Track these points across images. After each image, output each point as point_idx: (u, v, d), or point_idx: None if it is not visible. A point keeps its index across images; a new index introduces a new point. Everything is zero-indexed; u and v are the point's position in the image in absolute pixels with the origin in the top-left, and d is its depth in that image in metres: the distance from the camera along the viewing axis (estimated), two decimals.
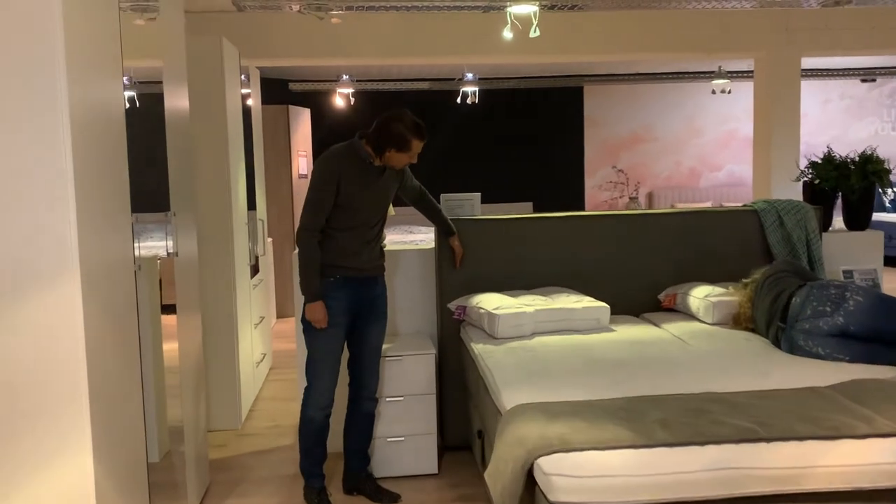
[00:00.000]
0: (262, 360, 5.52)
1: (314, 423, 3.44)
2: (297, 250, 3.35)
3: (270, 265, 6.44)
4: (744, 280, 3.90)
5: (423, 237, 9.75)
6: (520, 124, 10.77)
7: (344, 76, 8.69)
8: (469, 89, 8.92)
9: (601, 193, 11.28)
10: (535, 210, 10.47)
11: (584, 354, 3.24)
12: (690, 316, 3.92)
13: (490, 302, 3.71)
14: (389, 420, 3.80)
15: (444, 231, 3.97)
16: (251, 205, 5.57)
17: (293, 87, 9.26)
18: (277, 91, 8.80)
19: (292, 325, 7.99)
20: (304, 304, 3.34)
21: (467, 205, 4.26)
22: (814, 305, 3.20)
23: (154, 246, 4.66)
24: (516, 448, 2.23)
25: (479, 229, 4.12)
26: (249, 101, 6.05)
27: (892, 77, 11.16)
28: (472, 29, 6.19)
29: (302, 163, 8.76)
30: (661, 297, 4.15)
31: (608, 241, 4.20)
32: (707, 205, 11.28)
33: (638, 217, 4.26)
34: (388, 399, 3.81)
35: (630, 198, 11.20)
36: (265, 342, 5.86)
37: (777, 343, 3.35)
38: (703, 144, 11.44)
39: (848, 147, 5.34)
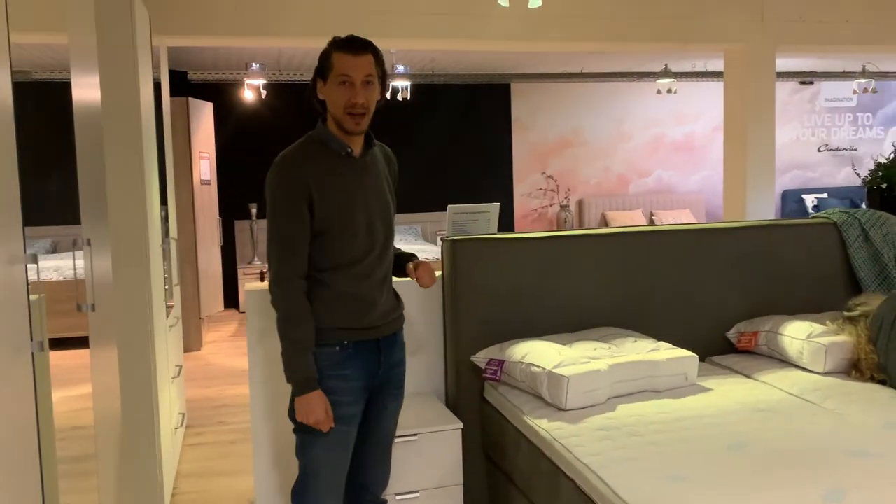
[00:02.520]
0: (181, 424, 4.22)
1: None
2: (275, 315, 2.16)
3: (178, 296, 5.12)
4: (846, 313, 3.05)
5: (423, 248, 8.56)
6: (450, 126, 9.77)
7: (254, 65, 7.39)
8: (400, 84, 7.83)
9: (531, 201, 10.45)
10: None
11: (715, 436, 2.25)
12: (784, 362, 3.02)
13: (542, 355, 2.66)
14: None
15: (406, 260, 2.48)
16: (163, 216, 4.26)
17: (193, 76, 7.85)
18: (174, 81, 7.40)
19: (198, 363, 6.66)
20: (293, 397, 2.15)
21: (482, 219, 3.21)
22: None
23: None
24: None
25: (499, 251, 3.07)
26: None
27: (824, 81, 11.00)
28: (410, 7, 5.17)
29: (204, 166, 7.39)
30: (734, 335, 3.24)
31: (660, 264, 3.26)
32: (638, 212, 10.70)
33: (691, 233, 3.34)
34: (398, 497, 2.69)
35: (560, 206, 10.46)
36: (181, 397, 4.55)
37: None
38: (631, 149, 10.86)
39: None
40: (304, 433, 2.18)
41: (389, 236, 2.30)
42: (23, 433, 1.40)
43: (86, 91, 2.14)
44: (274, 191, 2.14)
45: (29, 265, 1.44)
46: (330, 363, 2.16)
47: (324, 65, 2.15)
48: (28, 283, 1.43)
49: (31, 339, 1.44)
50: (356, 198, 2.18)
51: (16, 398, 1.37)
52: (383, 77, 2.22)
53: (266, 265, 2.23)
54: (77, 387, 5.49)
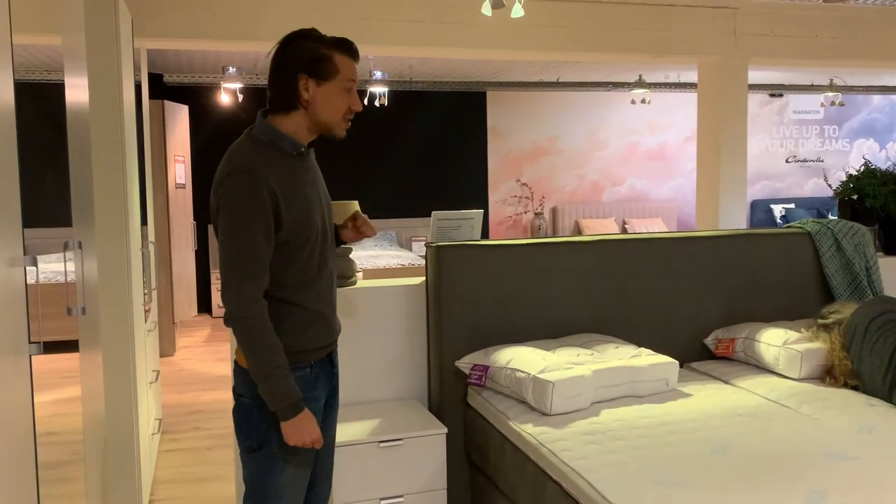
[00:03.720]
0: (157, 430, 4.18)
1: None
2: (243, 340, 1.95)
3: (155, 300, 5.07)
4: (820, 321, 3.13)
5: (399, 254, 8.50)
6: (426, 132, 9.79)
7: (231, 69, 7.36)
8: (378, 90, 7.85)
9: (505, 208, 10.51)
10: None
11: (697, 440, 2.30)
12: (760, 368, 3.09)
13: (527, 361, 2.69)
14: None
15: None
16: (142, 219, 4.23)
17: (168, 79, 7.79)
18: (150, 84, 7.34)
19: (172, 368, 6.59)
20: (282, 423, 1.96)
21: (465, 226, 3.23)
22: None
23: None
24: None
25: (483, 258, 3.10)
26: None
27: (792, 93, 11.22)
28: (390, 14, 5.20)
29: (179, 169, 7.34)
30: (711, 342, 3.31)
31: (639, 271, 3.31)
32: (611, 220, 10.81)
33: (670, 241, 3.40)
34: (382, 501, 2.70)
35: (535, 213, 10.54)
36: (157, 402, 4.51)
37: None
38: (605, 158, 10.98)
39: None
40: (271, 457, 2.03)
41: (333, 236, 2.20)
42: (20, 435, 1.39)
43: (76, 92, 2.13)
44: (238, 203, 1.90)
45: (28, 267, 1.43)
46: (303, 387, 2.01)
47: (322, 65, 1.98)
48: (27, 285, 1.42)
49: (29, 341, 1.44)
50: (312, 203, 2.04)
51: (14, 400, 1.37)
52: None
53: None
54: (49, 392, 5.42)
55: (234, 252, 1.92)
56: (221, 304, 1.95)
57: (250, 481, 2.08)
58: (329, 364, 2.17)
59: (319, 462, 2.23)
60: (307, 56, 1.98)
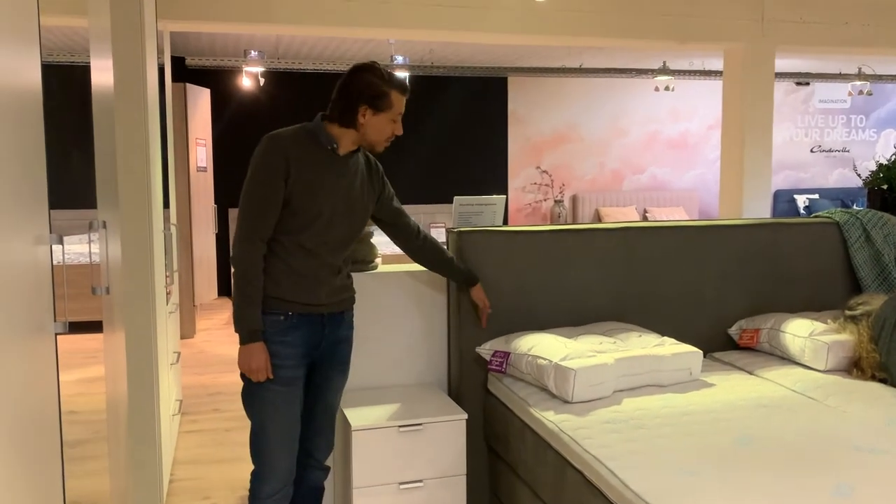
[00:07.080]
0: (177, 411, 4.21)
1: None
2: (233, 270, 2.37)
3: (176, 284, 5.09)
4: (847, 312, 3.08)
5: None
6: (446, 118, 9.74)
7: (253, 52, 7.35)
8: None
9: (525, 196, 10.46)
10: None
11: (721, 430, 2.27)
12: (785, 359, 3.05)
13: (549, 348, 2.67)
14: None
15: (463, 280, 2.91)
16: (164, 202, 4.24)
17: (190, 62, 7.80)
18: (172, 67, 7.35)
19: (192, 350, 6.64)
20: (239, 348, 2.33)
21: (487, 211, 3.20)
22: None
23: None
24: None
25: (505, 244, 3.08)
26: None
27: (819, 82, 11.05)
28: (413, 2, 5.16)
29: (200, 153, 7.35)
30: (735, 332, 3.27)
31: (663, 260, 3.27)
32: (631, 209, 10.73)
33: (695, 230, 3.35)
34: (402, 486, 2.69)
35: (555, 201, 10.47)
36: (178, 384, 4.53)
37: None
38: (626, 146, 10.87)
39: None
40: (254, 391, 2.36)
41: (351, 234, 2.48)
42: (46, 412, 1.39)
43: (101, 75, 2.12)
44: (255, 159, 2.32)
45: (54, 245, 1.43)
46: (274, 330, 2.34)
47: (380, 100, 2.35)
48: (53, 264, 1.42)
49: (55, 320, 1.44)
50: (326, 187, 2.36)
51: (40, 377, 1.37)
52: None
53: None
54: (71, 372, 5.45)
55: (244, 198, 2.32)
56: None
57: (248, 419, 2.42)
58: (318, 324, 2.42)
59: (316, 424, 2.55)
60: (370, 91, 2.34)
